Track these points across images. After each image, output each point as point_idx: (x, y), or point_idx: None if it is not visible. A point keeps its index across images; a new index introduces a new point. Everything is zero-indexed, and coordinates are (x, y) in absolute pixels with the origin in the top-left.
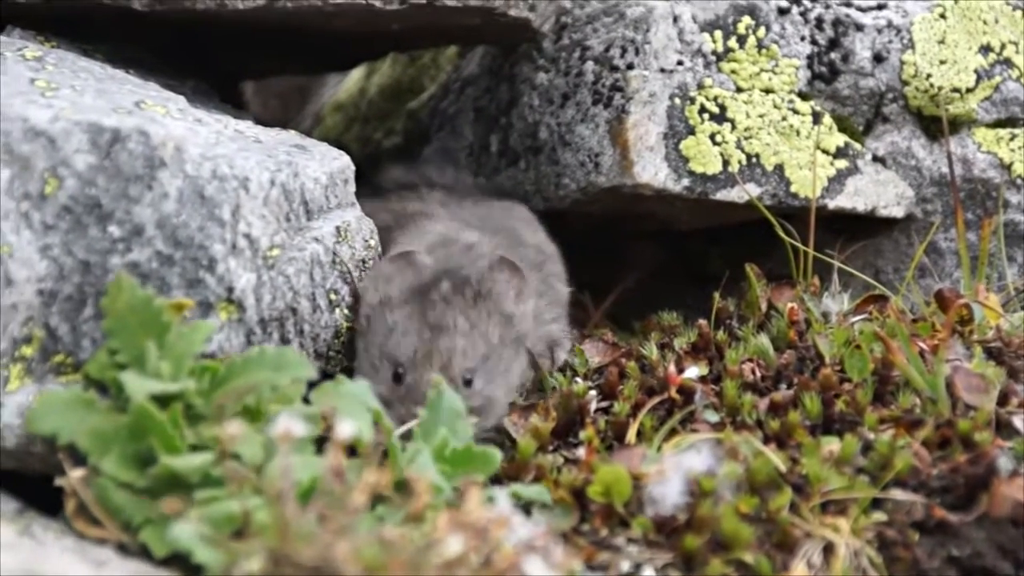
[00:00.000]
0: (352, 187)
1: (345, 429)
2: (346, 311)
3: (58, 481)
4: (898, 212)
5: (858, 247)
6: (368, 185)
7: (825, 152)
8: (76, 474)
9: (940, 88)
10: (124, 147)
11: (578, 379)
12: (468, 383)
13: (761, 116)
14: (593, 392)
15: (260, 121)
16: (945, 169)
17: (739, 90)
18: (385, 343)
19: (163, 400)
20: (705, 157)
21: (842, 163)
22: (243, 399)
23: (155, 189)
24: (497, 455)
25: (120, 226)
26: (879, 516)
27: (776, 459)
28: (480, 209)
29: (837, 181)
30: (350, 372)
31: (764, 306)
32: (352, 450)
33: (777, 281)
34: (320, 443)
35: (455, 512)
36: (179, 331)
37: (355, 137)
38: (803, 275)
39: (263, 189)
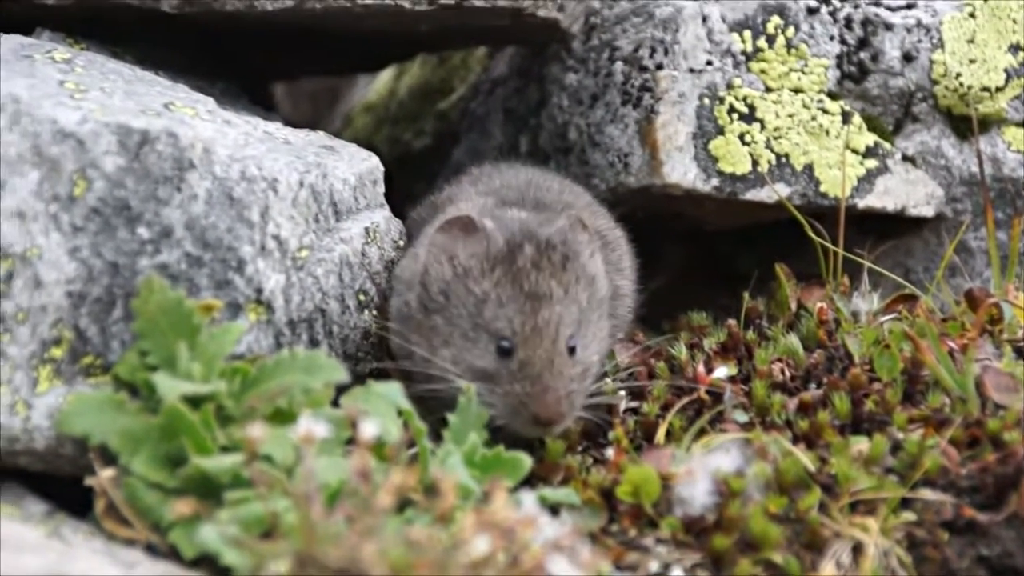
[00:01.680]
0: (381, 188)
1: (368, 430)
2: (375, 311)
3: (88, 481)
4: (928, 211)
5: (888, 247)
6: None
7: (855, 152)
8: (106, 474)
9: (970, 87)
10: (153, 149)
11: (607, 379)
12: (572, 351)
13: (790, 116)
14: (622, 392)
15: (290, 122)
16: (975, 168)
17: (768, 90)
18: (479, 315)
19: (194, 401)
20: (734, 157)
21: (872, 163)
22: (274, 401)
23: (184, 191)
24: (526, 460)
25: (149, 228)
26: (908, 516)
27: (805, 459)
28: (520, 177)
29: (867, 181)
30: (380, 373)
31: (794, 306)
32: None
33: (807, 281)
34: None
35: (482, 512)
36: (210, 332)
37: (385, 138)
38: (833, 275)
39: (292, 190)
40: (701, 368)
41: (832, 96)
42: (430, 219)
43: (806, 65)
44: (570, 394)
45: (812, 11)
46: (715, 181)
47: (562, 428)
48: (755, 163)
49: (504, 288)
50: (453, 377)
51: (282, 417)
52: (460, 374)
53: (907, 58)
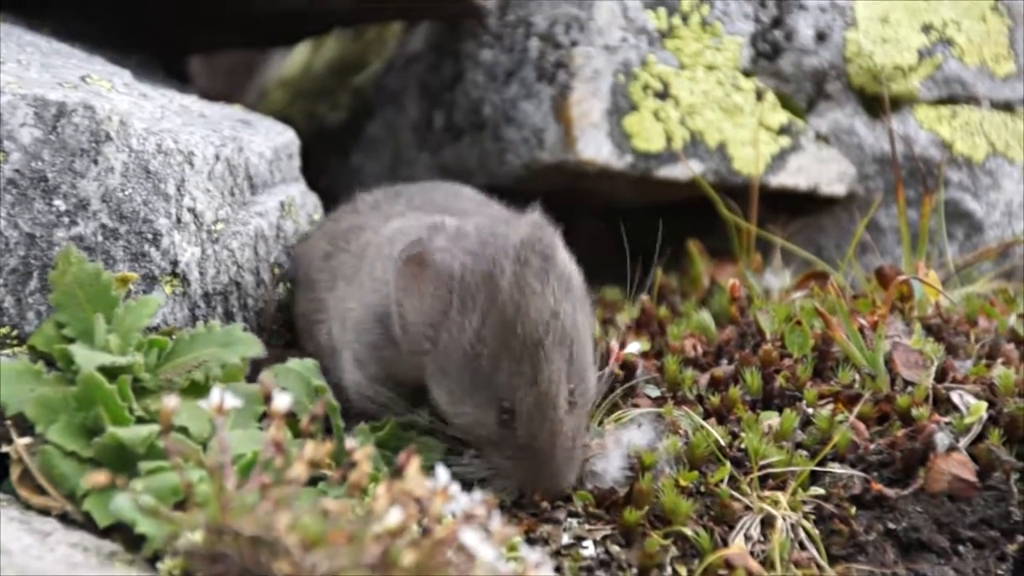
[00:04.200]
0: (297, 162)
1: (282, 402)
2: (289, 285)
3: (3, 448)
4: (840, 190)
5: (800, 224)
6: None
7: (768, 129)
8: (22, 442)
9: (882, 66)
10: (70, 121)
11: None
12: (572, 405)
13: (704, 93)
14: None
15: (206, 96)
16: (887, 147)
17: (682, 67)
18: (474, 369)
19: (111, 373)
20: (648, 134)
21: (785, 140)
22: (191, 374)
23: (100, 163)
24: (440, 445)
25: (65, 200)
26: (817, 490)
27: (716, 433)
28: (421, 196)
29: (780, 158)
30: (293, 347)
31: (706, 282)
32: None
33: (719, 258)
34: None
35: (394, 484)
36: (127, 305)
37: (300, 112)
38: (745, 252)
39: (208, 164)
40: (614, 343)
41: (746, 74)
42: (344, 246)
43: (720, 43)
44: (577, 454)
45: None
46: (629, 158)
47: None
48: (669, 140)
49: (493, 338)
50: (444, 427)
51: (198, 390)
52: (453, 421)
53: (820, 37)
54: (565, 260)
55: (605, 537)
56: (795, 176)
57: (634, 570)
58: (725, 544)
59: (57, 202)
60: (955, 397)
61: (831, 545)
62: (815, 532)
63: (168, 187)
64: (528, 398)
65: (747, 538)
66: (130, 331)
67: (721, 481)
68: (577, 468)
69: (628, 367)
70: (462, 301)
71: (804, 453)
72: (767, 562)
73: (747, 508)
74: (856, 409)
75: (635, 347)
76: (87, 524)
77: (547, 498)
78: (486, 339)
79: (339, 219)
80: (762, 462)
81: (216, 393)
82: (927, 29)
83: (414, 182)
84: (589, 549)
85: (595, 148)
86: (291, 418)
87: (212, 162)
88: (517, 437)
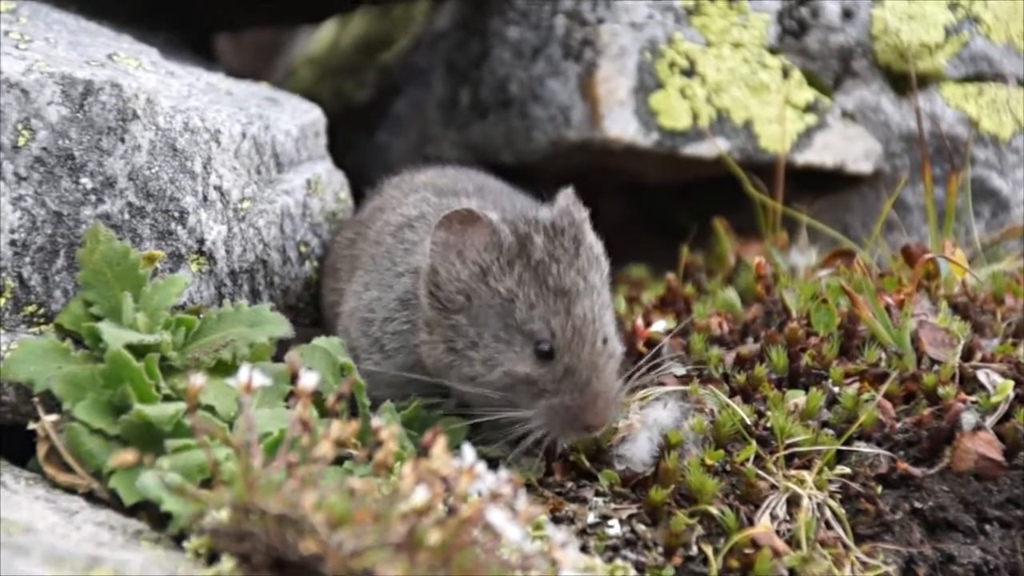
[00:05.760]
0: (323, 140)
1: (308, 380)
2: (316, 263)
3: (31, 425)
4: (866, 167)
5: (826, 202)
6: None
7: (794, 107)
8: (49, 419)
9: (909, 44)
10: (97, 99)
11: None
12: (605, 341)
13: (731, 71)
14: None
15: (233, 73)
16: (913, 125)
17: (709, 45)
18: (508, 315)
19: (138, 351)
20: (674, 112)
21: (811, 118)
22: (218, 353)
23: (127, 141)
24: (464, 426)
25: (92, 178)
26: (843, 469)
27: (742, 412)
28: (443, 179)
29: (806, 136)
30: (319, 325)
31: (732, 260)
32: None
33: (745, 236)
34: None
35: (420, 462)
36: (154, 284)
37: (327, 90)
38: (771, 230)
39: (234, 142)
40: (640, 321)
41: (772, 52)
42: (364, 232)
43: (747, 20)
44: (616, 394)
45: None
46: (655, 135)
47: (606, 428)
48: (695, 118)
49: (529, 285)
50: (476, 388)
51: (225, 369)
52: (489, 381)
53: (847, 14)
54: (593, 241)
55: (631, 516)
56: (821, 154)
57: (660, 549)
58: (751, 523)
59: (84, 180)
60: (981, 376)
61: (857, 524)
62: (841, 511)
63: (195, 165)
64: (567, 326)
65: (773, 517)
66: (158, 310)
67: (747, 460)
68: (617, 409)
69: (654, 345)
70: (499, 264)
71: (830, 432)
72: (793, 541)
73: (773, 487)
74: (882, 388)
75: (661, 325)
76: (113, 502)
77: (593, 428)
78: (523, 286)
79: (364, 206)
80: (788, 441)
81: (244, 371)
82: (953, 6)
83: (440, 162)
84: (615, 528)
85: (621, 126)
86: (317, 397)
87: (239, 140)
88: (558, 366)
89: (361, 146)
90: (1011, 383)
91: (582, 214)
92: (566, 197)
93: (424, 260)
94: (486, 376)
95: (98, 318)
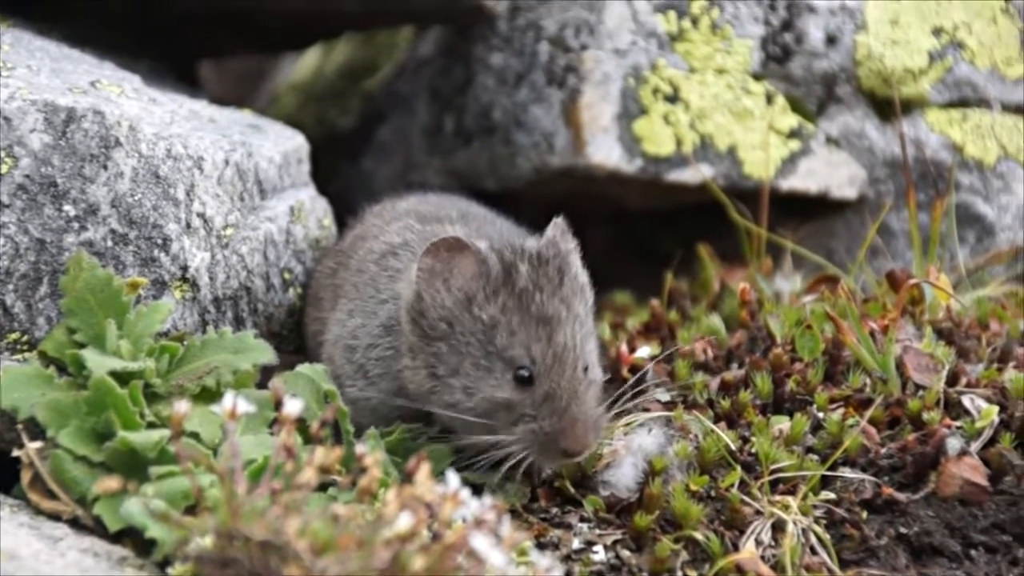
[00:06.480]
0: (307, 166)
1: (292, 407)
2: (299, 290)
3: (15, 452)
4: (851, 193)
5: (810, 228)
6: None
7: (778, 133)
8: (33, 446)
9: (893, 69)
10: (79, 126)
11: None
12: (586, 368)
13: (714, 97)
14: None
15: (216, 101)
16: (897, 150)
17: (692, 71)
18: (490, 343)
19: (122, 378)
20: (658, 138)
21: (795, 144)
22: (202, 380)
23: (110, 168)
24: (447, 451)
25: (75, 205)
26: (828, 495)
27: (727, 438)
28: (426, 206)
29: (790, 162)
30: (303, 352)
31: (716, 286)
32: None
33: (729, 262)
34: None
35: (404, 488)
36: (138, 311)
37: (310, 117)
38: (756, 256)
39: (217, 169)
40: (624, 347)
41: (756, 77)
42: (346, 261)
43: (730, 46)
44: (596, 420)
45: None
46: (639, 162)
47: (588, 455)
48: (679, 144)
49: (512, 313)
50: (456, 414)
51: (209, 396)
52: (469, 408)
53: (831, 40)
54: (579, 270)
55: (615, 542)
56: (805, 180)
57: (645, 575)
58: (736, 549)
59: (67, 207)
60: (966, 401)
61: (842, 550)
62: (826, 537)
63: (178, 192)
64: (548, 352)
65: (758, 543)
66: (141, 336)
67: (732, 485)
68: (598, 434)
69: (638, 371)
70: (483, 292)
71: (815, 457)
72: (778, 567)
73: (758, 513)
74: (867, 413)
75: (645, 351)
76: (97, 529)
77: (572, 454)
78: (506, 313)
79: (345, 235)
80: (773, 466)
81: (229, 398)
82: (937, 32)
83: (424, 189)
84: (599, 554)
85: (605, 152)
86: (301, 423)
87: (222, 167)
88: (537, 391)
89: (345, 173)
90: (996, 408)
91: (569, 244)
92: (555, 227)
93: (409, 287)
94: (466, 403)
95: (82, 345)
